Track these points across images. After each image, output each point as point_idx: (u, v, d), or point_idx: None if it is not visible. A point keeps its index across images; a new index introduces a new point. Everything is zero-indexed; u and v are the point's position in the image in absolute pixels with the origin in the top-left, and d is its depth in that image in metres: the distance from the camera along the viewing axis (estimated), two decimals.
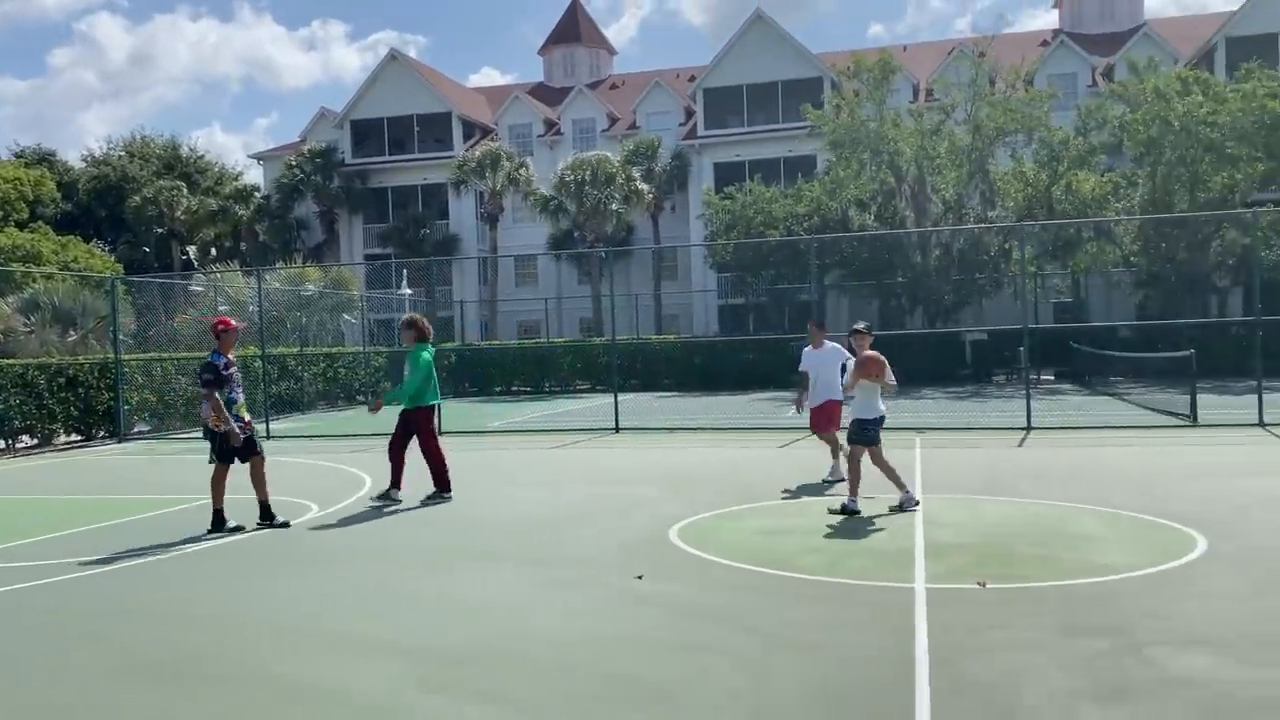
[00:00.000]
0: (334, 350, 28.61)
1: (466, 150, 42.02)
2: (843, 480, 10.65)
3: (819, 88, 38.96)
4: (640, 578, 6.71)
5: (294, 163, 44.81)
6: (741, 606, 5.97)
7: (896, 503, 8.97)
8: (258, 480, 9.07)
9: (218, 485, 8.91)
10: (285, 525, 9.06)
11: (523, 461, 13.95)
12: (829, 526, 8.33)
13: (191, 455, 16.27)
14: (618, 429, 17.59)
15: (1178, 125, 28.28)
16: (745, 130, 41.06)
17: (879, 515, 8.70)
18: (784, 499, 9.87)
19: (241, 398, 9.10)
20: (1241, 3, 37.61)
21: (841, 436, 10.22)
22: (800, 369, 11.13)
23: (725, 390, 27.90)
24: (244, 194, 48.10)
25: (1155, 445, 13.38)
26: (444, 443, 10.69)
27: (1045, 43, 42.05)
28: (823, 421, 10.90)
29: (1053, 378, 28.95)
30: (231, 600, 6.54)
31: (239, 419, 8.95)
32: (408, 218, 44.44)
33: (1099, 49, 40.35)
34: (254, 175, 51.75)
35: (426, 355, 10.24)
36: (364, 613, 6.12)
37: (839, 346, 10.84)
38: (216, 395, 8.80)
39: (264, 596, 6.63)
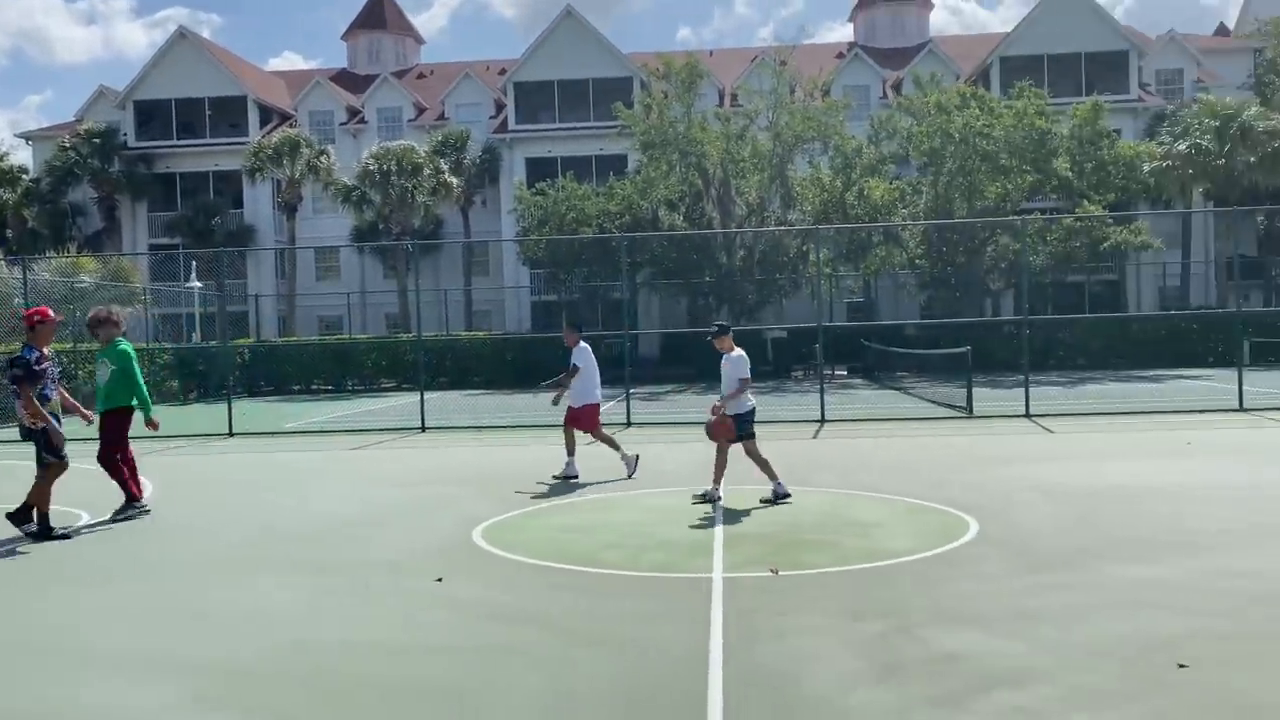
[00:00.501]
0: None
1: (263, 136, 39.98)
2: (575, 477, 10.78)
3: (629, 87, 39.43)
4: (440, 580, 6.56)
5: (68, 144, 41.32)
6: (543, 605, 5.94)
7: (769, 493, 9.14)
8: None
9: (46, 489, 8.35)
10: (65, 537, 8.38)
11: (321, 463, 13.41)
12: (632, 522, 8.42)
13: None
14: (424, 428, 17.19)
15: (957, 137, 30.38)
16: (557, 126, 41.05)
17: (681, 509, 8.87)
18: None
19: (56, 396, 8.52)
20: (1015, 25, 40.81)
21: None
22: (572, 363, 11.40)
23: (536, 388, 27.80)
24: (10, 176, 43.86)
25: (935, 436, 14.30)
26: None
27: (841, 55, 44.18)
28: (585, 421, 11.17)
29: (846, 373, 30.50)
30: None
31: (56, 417, 8.43)
32: (198, 206, 41.80)
33: (890, 63, 42.77)
34: (22, 156, 47.28)
35: (130, 349, 9.35)
36: (138, 628, 5.70)
37: (587, 348, 11.24)
38: (29, 392, 8.16)
39: (21, 615, 6.05)
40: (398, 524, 8.64)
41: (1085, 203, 30.07)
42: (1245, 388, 16.73)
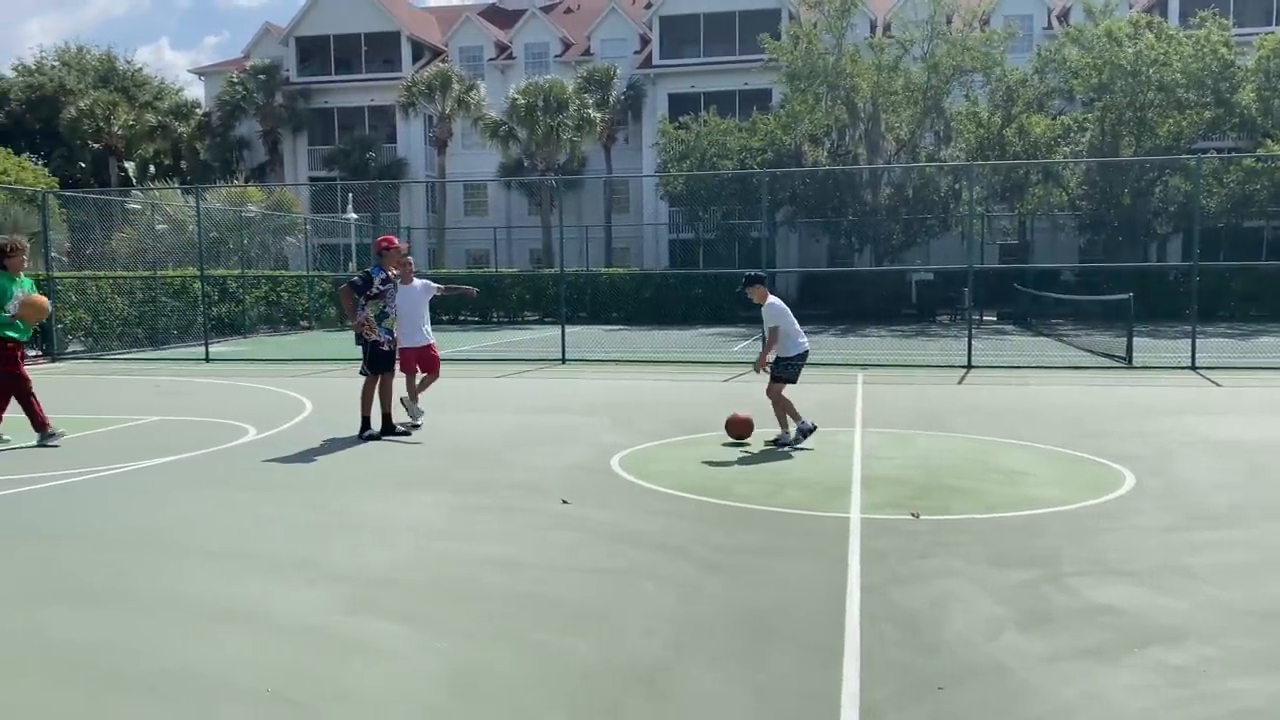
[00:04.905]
0: (276, 273, 28.06)
1: (416, 72, 40.91)
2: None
3: (777, 19, 38.42)
4: (566, 502, 6.71)
5: (236, 79, 43.32)
6: (677, 532, 5.99)
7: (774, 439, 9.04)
8: (386, 393, 9.59)
9: (368, 394, 9.52)
10: (406, 433, 9.56)
11: (467, 389, 13.84)
12: (769, 459, 8.38)
13: (130, 376, 15.90)
14: (564, 360, 17.51)
15: (1128, 69, 28.41)
16: (701, 61, 40.47)
17: (818, 449, 8.78)
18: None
19: (394, 314, 9.65)
20: None
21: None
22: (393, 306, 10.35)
23: (673, 324, 27.91)
24: (184, 110, 46.40)
25: (1090, 385, 13.63)
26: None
27: None
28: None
29: (995, 318, 29.35)
30: (160, 523, 6.41)
31: (389, 332, 9.58)
32: (354, 140, 43.31)
33: None
34: (195, 91, 49.89)
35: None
36: (295, 537, 6.04)
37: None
38: (351, 301, 9.35)
39: (195, 520, 6.51)
40: (539, 449, 8.85)
41: (1269, 142, 27.76)
42: None
